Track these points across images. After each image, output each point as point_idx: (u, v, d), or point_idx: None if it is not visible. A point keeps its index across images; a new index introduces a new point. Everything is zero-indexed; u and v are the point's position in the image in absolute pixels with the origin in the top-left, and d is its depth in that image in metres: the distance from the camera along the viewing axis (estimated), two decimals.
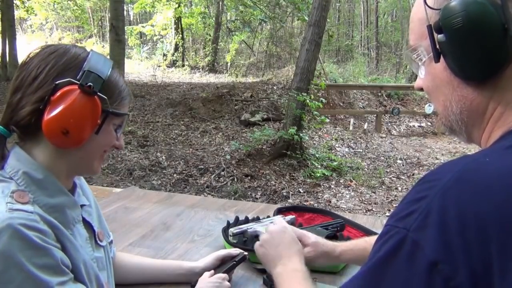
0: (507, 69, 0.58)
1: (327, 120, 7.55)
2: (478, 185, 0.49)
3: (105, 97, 0.81)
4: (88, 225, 0.91)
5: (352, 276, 0.56)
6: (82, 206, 0.90)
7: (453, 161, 0.55)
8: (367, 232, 1.49)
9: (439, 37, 0.60)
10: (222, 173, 5.54)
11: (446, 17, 0.58)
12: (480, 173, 0.51)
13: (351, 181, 5.58)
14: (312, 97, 6.16)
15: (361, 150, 7.17)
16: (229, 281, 1.13)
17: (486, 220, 0.46)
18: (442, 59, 0.62)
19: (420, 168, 6.23)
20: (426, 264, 0.47)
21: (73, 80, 0.78)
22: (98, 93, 0.80)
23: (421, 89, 0.70)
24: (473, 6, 0.56)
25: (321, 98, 6.61)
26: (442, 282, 0.46)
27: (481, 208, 0.47)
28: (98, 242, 0.93)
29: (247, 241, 1.35)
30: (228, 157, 5.98)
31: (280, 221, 1.10)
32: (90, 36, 17.86)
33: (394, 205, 4.82)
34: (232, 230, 1.38)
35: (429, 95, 0.69)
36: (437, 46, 0.61)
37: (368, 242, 1.11)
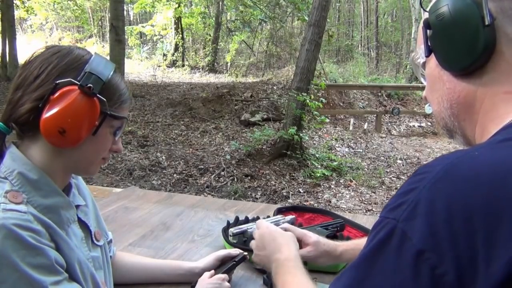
0: (490, 60, 0.60)
1: (327, 120, 7.56)
2: (466, 177, 0.50)
3: (104, 99, 0.81)
4: (83, 225, 0.91)
5: (347, 267, 0.57)
6: (77, 206, 0.90)
7: (445, 155, 0.56)
8: (367, 232, 1.49)
9: (428, 32, 0.65)
10: (222, 173, 5.54)
11: (432, 12, 0.63)
12: (469, 165, 0.52)
13: (351, 181, 5.58)
14: (312, 97, 6.16)
15: (361, 150, 7.17)
16: (229, 281, 1.13)
17: (472, 211, 0.47)
18: (434, 57, 0.65)
19: None
20: (413, 253, 0.49)
21: (73, 80, 0.79)
22: (98, 95, 0.80)
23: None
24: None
25: (321, 98, 6.61)
26: (428, 271, 0.47)
27: (468, 199, 0.48)
28: (95, 242, 0.93)
29: (247, 241, 1.35)
30: (228, 157, 5.98)
31: (261, 223, 1.11)
32: (90, 36, 17.85)
33: None
34: (232, 230, 1.38)
35: (428, 99, 0.71)
36: (428, 42, 0.65)
37: None
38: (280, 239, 1.02)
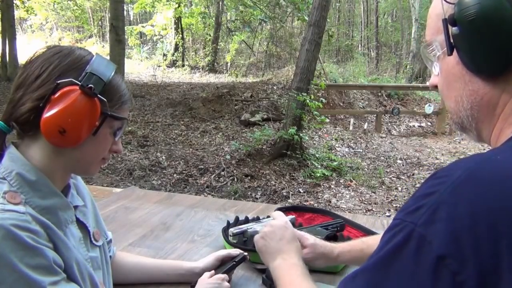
0: None
1: (327, 120, 7.56)
2: (489, 182, 0.49)
3: (105, 100, 0.81)
4: (82, 225, 0.91)
5: (358, 268, 0.56)
6: (76, 207, 0.90)
7: (464, 158, 0.55)
8: (367, 232, 1.49)
9: (453, 29, 0.60)
10: (222, 173, 5.54)
11: (460, 10, 0.59)
12: (491, 170, 0.51)
13: (351, 181, 5.58)
14: (312, 97, 6.15)
15: (361, 150, 7.17)
16: (229, 281, 1.13)
17: (497, 217, 0.46)
18: (455, 53, 0.61)
19: (420, 168, 6.23)
20: (433, 258, 0.48)
21: (74, 80, 0.79)
22: (98, 95, 0.80)
23: (436, 87, 0.70)
24: None
25: (321, 98, 6.62)
26: (449, 276, 0.47)
27: (492, 205, 0.47)
28: (94, 242, 0.93)
29: (247, 241, 1.35)
30: (228, 157, 5.98)
31: (281, 216, 1.11)
32: (90, 36, 17.86)
33: (394, 205, 4.83)
34: (232, 230, 1.38)
35: (441, 93, 0.68)
36: (451, 39, 0.61)
37: (365, 243, 1.12)
38: (295, 244, 1.01)
